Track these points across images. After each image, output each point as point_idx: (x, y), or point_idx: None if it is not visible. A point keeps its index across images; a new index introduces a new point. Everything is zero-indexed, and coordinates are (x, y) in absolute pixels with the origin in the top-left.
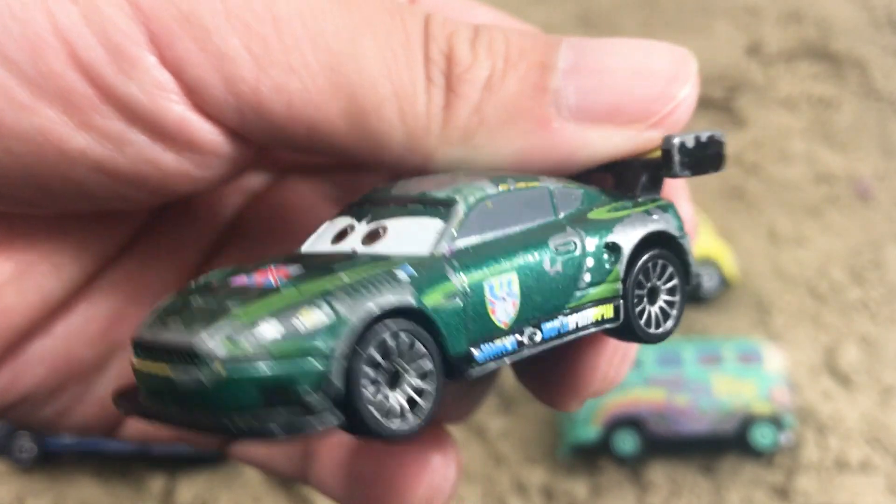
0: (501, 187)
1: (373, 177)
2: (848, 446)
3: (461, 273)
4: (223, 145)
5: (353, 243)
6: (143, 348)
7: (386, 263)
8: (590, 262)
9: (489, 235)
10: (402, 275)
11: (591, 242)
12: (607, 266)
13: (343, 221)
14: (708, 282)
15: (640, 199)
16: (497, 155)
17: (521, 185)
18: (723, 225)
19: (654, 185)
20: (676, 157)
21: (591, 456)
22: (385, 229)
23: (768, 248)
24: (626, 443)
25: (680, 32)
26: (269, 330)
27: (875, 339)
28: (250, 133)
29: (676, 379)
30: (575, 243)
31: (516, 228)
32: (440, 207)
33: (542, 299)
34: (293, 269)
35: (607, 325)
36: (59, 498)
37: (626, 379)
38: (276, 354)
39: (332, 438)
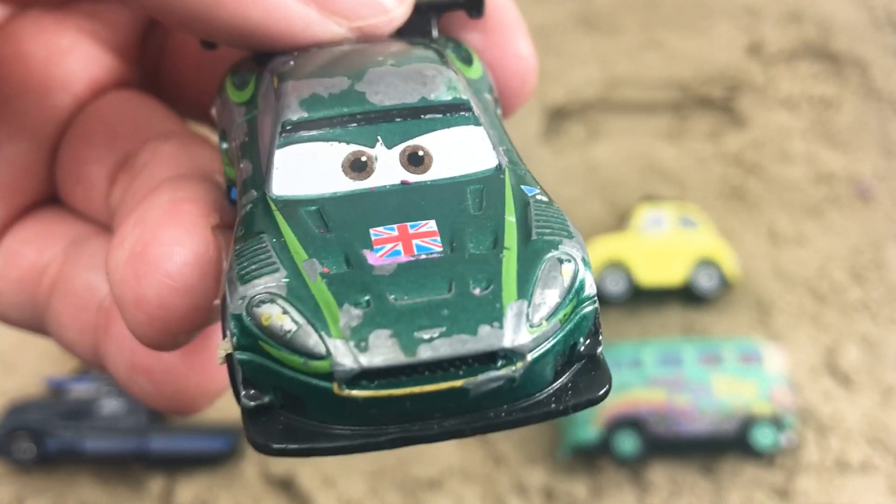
0: (469, 71)
1: (117, 5)
2: (848, 447)
3: None
4: None
5: (392, 173)
6: (400, 372)
7: (517, 190)
8: None
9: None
10: (546, 198)
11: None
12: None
13: (336, 150)
14: (708, 282)
15: (441, 41)
16: None
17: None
18: (723, 225)
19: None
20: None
21: (591, 456)
22: (425, 150)
23: (768, 249)
24: (627, 443)
25: (680, 32)
26: (551, 298)
27: (876, 340)
28: None
29: (677, 379)
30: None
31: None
32: (462, 112)
33: None
34: (428, 227)
35: None
36: (59, 498)
37: (626, 379)
38: (563, 319)
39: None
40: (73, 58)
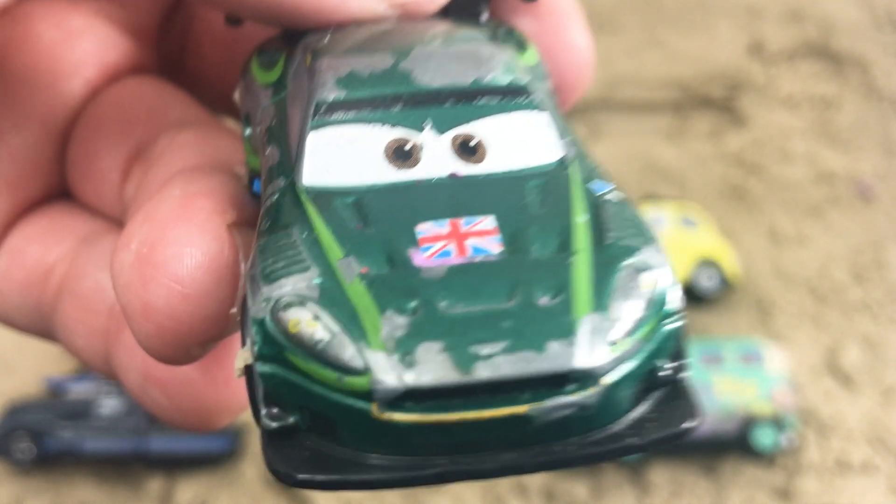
0: (523, 57)
1: None
2: (849, 447)
3: None
4: None
5: (441, 163)
6: (452, 394)
7: (586, 187)
8: None
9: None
10: (621, 196)
11: None
12: None
13: (378, 135)
14: (708, 282)
15: (492, 24)
16: None
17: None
18: (723, 225)
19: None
20: None
21: None
22: (479, 138)
23: (769, 249)
24: None
25: (681, 31)
26: (630, 312)
27: (877, 340)
28: None
29: None
30: None
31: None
32: (522, 97)
33: None
34: (485, 224)
35: None
36: (59, 499)
37: None
38: (644, 336)
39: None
40: (86, 41)
